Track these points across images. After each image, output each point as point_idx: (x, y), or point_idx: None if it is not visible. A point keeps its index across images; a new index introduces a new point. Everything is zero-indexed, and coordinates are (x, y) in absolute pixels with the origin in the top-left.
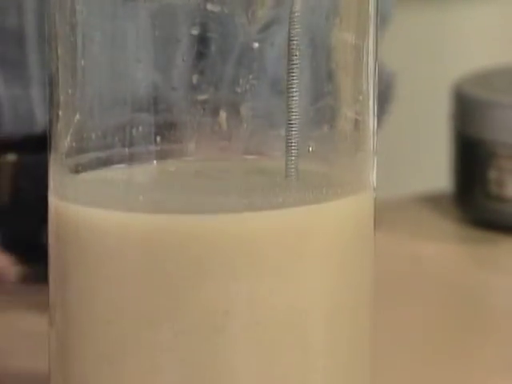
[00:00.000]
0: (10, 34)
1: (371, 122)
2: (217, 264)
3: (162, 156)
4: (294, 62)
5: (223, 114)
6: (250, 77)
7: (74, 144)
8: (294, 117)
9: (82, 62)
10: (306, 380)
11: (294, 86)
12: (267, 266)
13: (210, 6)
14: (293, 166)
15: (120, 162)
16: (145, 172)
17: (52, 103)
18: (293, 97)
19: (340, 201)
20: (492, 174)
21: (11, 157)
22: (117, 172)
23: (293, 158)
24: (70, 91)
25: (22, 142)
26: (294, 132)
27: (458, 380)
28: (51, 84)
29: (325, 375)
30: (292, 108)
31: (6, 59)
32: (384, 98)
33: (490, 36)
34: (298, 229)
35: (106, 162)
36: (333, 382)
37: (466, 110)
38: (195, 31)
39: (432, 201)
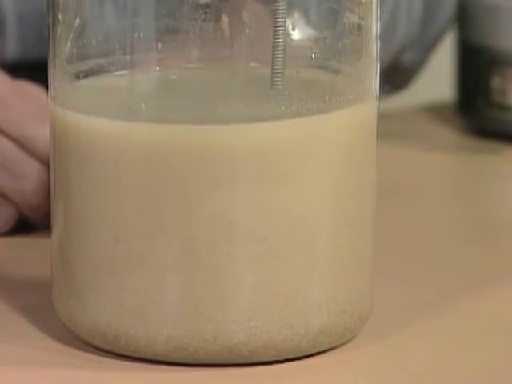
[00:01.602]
0: None
1: (374, 26)
2: (221, 175)
3: (163, 63)
4: None
5: (225, 19)
6: None
7: (74, 50)
8: (279, 24)
9: None
10: (312, 286)
11: None
12: (272, 175)
13: None
14: (279, 76)
15: (121, 69)
16: (147, 80)
17: (52, 6)
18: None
19: (343, 110)
20: (495, 82)
21: None
22: (118, 79)
23: (279, 67)
24: None
25: None
26: (279, 40)
27: (459, 283)
28: None
29: (329, 281)
30: (278, 16)
31: None
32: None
33: None
34: (301, 139)
35: (107, 69)
36: (337, 288)
37: (470, 17)
38: None
39: (435, 110)
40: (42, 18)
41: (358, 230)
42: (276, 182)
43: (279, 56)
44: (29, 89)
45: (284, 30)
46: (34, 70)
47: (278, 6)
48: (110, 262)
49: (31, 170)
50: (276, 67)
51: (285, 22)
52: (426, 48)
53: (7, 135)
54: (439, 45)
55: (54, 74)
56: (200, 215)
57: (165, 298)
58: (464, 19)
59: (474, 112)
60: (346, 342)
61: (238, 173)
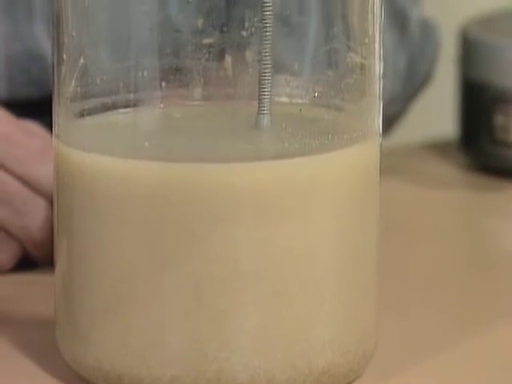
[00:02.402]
0: None
1: (377, 66)
2: (224, 213)
3: (167, 101)
4: (263, 5)
5: (229, 58)
6: (256, 20)
7: (78, 89)
8: (266, 57)
9: (87, 2)
10: (316, 326)
11: (267, 23)
12: (275, 213)
13: None
14: (266, 109)
15: (125, 107)
16: (150, 118)
17: (56, 46)
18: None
19: (346, 149)
20: (498, 120)
21: None
22: (122, 117)
23: (266, 102)
24: (74, 34)
25: None
26: (266, 74)
27: (463, 321)
28: (56, 26)
29: (334, 321)
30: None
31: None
32: (430, 63)
33: None
34: (304, 177)
35: (111, 108)
36: (341, 328)
37: (473, 54)
38: None
39: (438, 147)
40: (31, 60)
41: (363, 268)
42: (279, 220)
43: (266, 85)
44: (32, 127)
45: (270, 58)
46: (22, 109)
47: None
48: (113, 301)
49: (35, 206)
50: (263, 94)
51: (271, 47)
52: (408, 100)
53: (11, 172)
54: (442, 82)
55: (59, 112)
56: (204, 254)
57: (168, 338)
58: (467, 57)
59: (477, 149)
60: (349, 383)
61: (240, 211)
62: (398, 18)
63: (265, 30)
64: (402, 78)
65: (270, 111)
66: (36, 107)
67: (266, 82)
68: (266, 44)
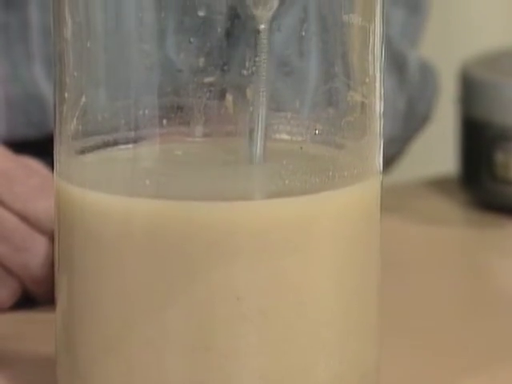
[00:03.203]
0: None
1: (378, 105)
2: (224, 251)
3: (168, 139)
4: (262, 43)
5: (229, 97)
6: (257, 59)
7: (80, 127)
8: (262, 94)
9: (88, 43)
10: (318, 360)
11: (261, 64)
12: (275, 251)
13: None
14: (257, 151)
15: (126, 144)
16: (151, 155)
17: (58, 86)
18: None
19: (347, 188)
20: (498, 157)
21: None
22: (123, 154)
23: (257, 143)
24: (75, 73)
25: None
26: (259, 114)
27: (463, 362)
28: (57, 66)
29: (335, 357)
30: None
31: (49, 56)
32: (428, 105)
33: (497, 18)
34: (305, 216)
35: (112, 145)
36: (343, 363)
37: (473, 93)
38: (202, 13)
39: (439, 184)
40: (29, 102)
41: (365, 307)
42: (279, 258)
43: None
44: (31, 163)
45: (265, 96)
46: (21, 148)
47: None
48: (114, 340)
49: (34, 243)
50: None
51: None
52: (406, 141)
53: (10, 208)
54: (443, 120)
55: (60, 149)
56: (205, 293)
57: (170, 378)
58: (467, 95)
59: (478, 186)
60: None
61: (240, 249)
62: (396, 62)
63: (259, 69)
64: (401, 120)
65: (271, 148)
66: (35, 147)
67: (264, 119)
68: (261, 80)
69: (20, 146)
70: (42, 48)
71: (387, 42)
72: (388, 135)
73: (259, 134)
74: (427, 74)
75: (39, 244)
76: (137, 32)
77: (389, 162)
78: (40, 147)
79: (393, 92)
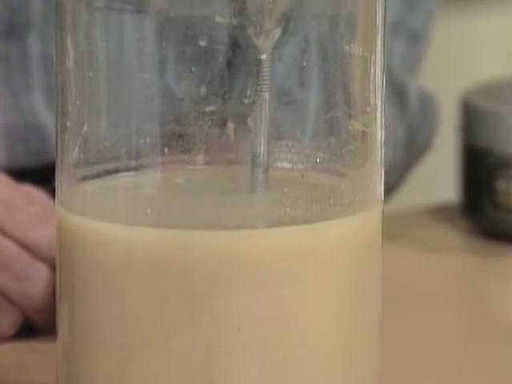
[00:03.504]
0: (52, 62)
1: (379, 133)
2: (225, 280)
3: (169, 167)
4: (264, 73)
5: (231, 125)
6: (258, 89)
7: (81, 155)
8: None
9: (90, 73)
10: None
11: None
12: (276, 281)
13: (218, 18)
14: (258, 179)
15: (128, 173)
16: (152, 184)
17: (60, 114)
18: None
19: (348, 217)
20: (500, 185)
21: None
22: (124, 183)
23: (260, 172)
24: (77, 102)
25: None
26: (261, 145)
27: None
28: (59, 95)
29: None
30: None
31: (50, 85)
32: (428, 132)
33: (498, 47)
34: (306, 245)
35: (113, 173)
36: None
37: (474, 121)
38: (203, 43)
39: (440, 212)
40: (29, 131)
41: (366, 337)
42: (281, 287)
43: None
44: (31, 191)
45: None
46: (21, 176)
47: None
48: (116, 371)
49: (35, 271)
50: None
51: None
52: (406, 169)
53: (11, 237)
54: (444, 148)
55: (62, 178)
56: (206, 322)
57: None
58: (469, 124)
59: (479, 214)
60: None
61: (242, 278)
62: (396, 91)
63: (260, 98)
64: (401, 149)
65: (272, 176)
66: (35, 175)
67: (265, 147)
68: (262, 109)
69: (20, 175)
70: (42, 78)
71: (388, 72)
72: (389, 163)
73: (260, 162)
74: (427, 103)
75: (40, 273)
76: (138, 62)
77: (389, 189)
78: (40, 175)
79: (393, 121)
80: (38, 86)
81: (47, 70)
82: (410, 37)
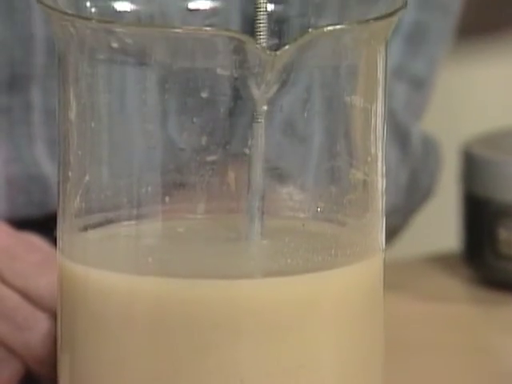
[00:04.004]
0: (54, 113)
1: (380, 183)
2: (227, 330)
3: (171, 216)
4: (265, 123)
5: (232, 174)
6: (259, 138)
7: (83, 204)
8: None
9: (92, 123)
10: None
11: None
12: (277, 331)
13: (219, 70)
14: (258, 228)
15: (129, 222)
16: (154, 233)
17: (62, 164)
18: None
19: (349, 267)
20: (502, 234)
21: None
22: (125, 231)
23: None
24: (79, 152)
25: None
26: (255, 194)
27: None
28: (62, 145)
29: None
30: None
31: (52, 137)
32: (431, 179)
33: (499, 96)
34: (307, 295)
35: (115, 222)
36: None
37: (475, 170)
38: (205, 94)
39: (442, 261)
40: (31, 182)
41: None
42: (282, 337)
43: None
44: (31, 239)
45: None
46: (22, 225)
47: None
48: None
49: (36, 321)
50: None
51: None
52: (409, 214)
53: (11, 286)
54: (445, 197)
55: (63, 227)
56: (209, 373)
57: None
58: (470, 172)
59: (481, 263)
60: None
61: (243, 329)
62: (399, 134)
63: (260, 148)
64: (403, 192)
65: (272, 226)
66: (36, 225)
67: (265, 196)
68: (262, 160)
69: (21, 225)
70: (44, 129)
71: (390, 114)
72: (391, 206)
73: (261, 211)
74: (430, 147)
75: (42, 322)
76: (140, 113)
77: (392, 234)
78: (41, 225)
79: (396, 164)
80: (40, 138)
81: (49, 122)
82: (412, 82)
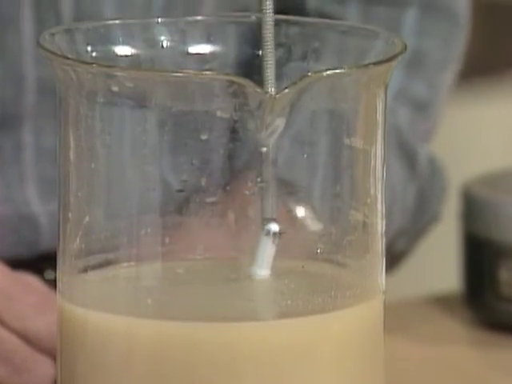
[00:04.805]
0: (47, 152)
1: (380, 224)
2: (228, 374)
3: (170, 257)
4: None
5: (231, 216)
6: (259, 180)
7: (83, 245)
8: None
9: (92, 165)
10: None
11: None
12: (276, 374)
13: (219, 113)
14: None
15: (129, 263)
16: (153, 274)
17: (62, 205)
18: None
19: (350, 309)
20: (502, 275)
21: (52, 274)
22: (125, 273)
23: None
24: (79, 193)
25: None
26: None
27: None
28: (61, 186)
29: None
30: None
31: (43, 176)
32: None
33: (498, 136)
34: (307, 337)
35: (114, 264)
36: None
37: (475, 211)
38: (204, 136)
39: (442, 302)
40: (21, 221)
41: None
42: (281, 380)
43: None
44: (28, 279)
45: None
46: (11, 266)
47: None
48: None
49: (35, 362)
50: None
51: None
52: (416, 236)
53: (9, 328)
54: (445, 238)
55: (63, 269)
56: None
57: None
58: (470, 213)
59: (482, 304)
60: None
61: (243, 372)
62: (406, 152)
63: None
64: (410, 215)
65: (273, 267)
66: (26, 265)
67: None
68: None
69: (11, 264)
70: (35, 168)
71: (397, 132)
72: (397, 228)
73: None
74: (436, 169)
75: (40, 364)
76: (140, 154)
77: (397, 258)
78: (31, 266)
79: (403, 185)
80: (31, 177)
81: (40, 161)
82: (414, 104)
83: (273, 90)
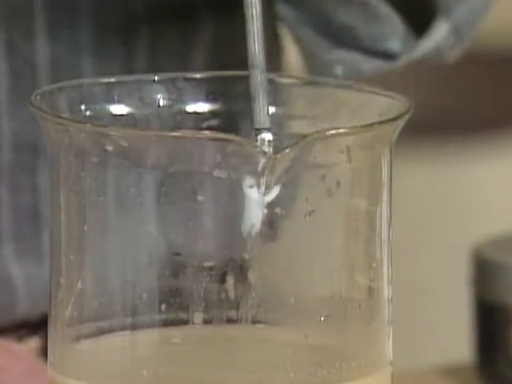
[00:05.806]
0: (24, 211)
1: (386, 289)
2: None
3: (166, 325)
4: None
5: (230, 280)
6: (259, 242)
7: (75, 313)
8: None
9: (85, 227)
10: None
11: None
12: None
13: (216, 173)
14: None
15: (123, 332)
16: (148, 344)
17: (54, 271)
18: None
19: (355, 382)
20: None
21: (33, 342)
22: (119, 342)
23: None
24: (72, 257)
25: (41, 323)
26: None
27: None
28: (53, 250)
29: None
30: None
31: (20, 236)
32: None
33: (507, 197)
34: None
35: (108, 332)
36: None
37: (487, 275)
38: (201, 197)
39: (453, 372)
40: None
41: None
42: None
43: None
44: (14, 347)
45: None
46: None
47: None
48: None
49: None
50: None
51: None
52: None
53: None
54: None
55: (54, 337)
56: None
57: None
58: (481, 278)
59: (494, 373)
60: None
61: None
62: None
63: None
64: None
65: (274, 337)
66: (2, 333)
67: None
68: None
69: None
70: (12, 228)
71: None
72: None
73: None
74: None
75: None
76: (135, 216)
77: None
78: (8, 334)
79: None
80: (8, 238)
81: (17, 221)
82: None
83: (271, 149)
